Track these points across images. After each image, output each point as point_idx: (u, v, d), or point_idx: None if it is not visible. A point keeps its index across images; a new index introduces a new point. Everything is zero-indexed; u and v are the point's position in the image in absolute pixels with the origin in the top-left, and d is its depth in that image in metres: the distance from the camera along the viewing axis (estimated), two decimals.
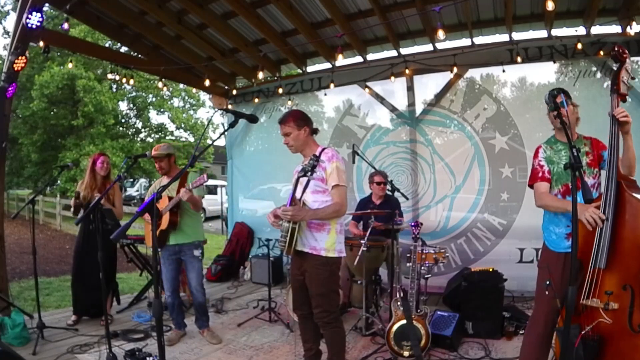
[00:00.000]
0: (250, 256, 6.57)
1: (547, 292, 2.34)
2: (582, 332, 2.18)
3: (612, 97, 2.27)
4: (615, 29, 4.53)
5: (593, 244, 2.18)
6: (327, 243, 2.77)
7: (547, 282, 2.33)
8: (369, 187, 4.79)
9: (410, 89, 5.69)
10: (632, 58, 4.35)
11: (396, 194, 4.30)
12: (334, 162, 2.76)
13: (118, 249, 4.77)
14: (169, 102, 19.47)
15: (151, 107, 19.20)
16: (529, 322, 2.72)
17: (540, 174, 2.56)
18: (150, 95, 18.78)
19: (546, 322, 2.51)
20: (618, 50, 2.29)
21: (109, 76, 6.16)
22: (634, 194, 2.15)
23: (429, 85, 5.59)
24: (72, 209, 4.34)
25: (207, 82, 5.96)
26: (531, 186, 2.63)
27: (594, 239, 2.18)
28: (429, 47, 5.50)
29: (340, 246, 2.85)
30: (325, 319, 2.80)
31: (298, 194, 2.81)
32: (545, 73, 4.93)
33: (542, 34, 4.88)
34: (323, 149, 2.87)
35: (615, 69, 2.34)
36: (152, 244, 2.17)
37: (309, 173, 2.64)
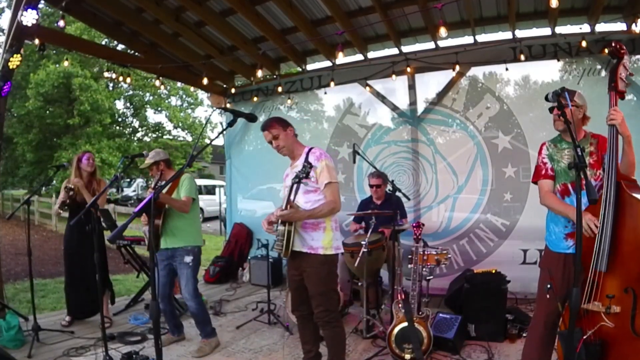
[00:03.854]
0: (249, 257, 6.50)
1: (547, 296, 2.33)
2: (584, 337, 2.15)
3: (609, 94, 2.25)
4: (621, 26, 4.48)
5: (593, 246, 2.16)
6: (323, 241, 2.80)
7: (548, 286, 2.32)
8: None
9: (411, 87, 5.63)
10: (638, 56, 4.35)
11: (397, 194, 4.25)
12: (322, 160, 2.80)
13: (115, 250, 4.70)
14: (167, 101, 19.45)
15: (148, 105, 19.18)
16: (530, 324, 2.72)
17: (543, 171, 2.57)
18: (148, 94, 18.75)
19: (546, 323, 2.51)
20: (615, 46, 2.27)
21: (106, 74, 6.13)
22: (634, 194, 2.12)
23: (430, 83, 5.53)
24: (58, 204, 4.10)
25: (205, 81, 5.90)
26: (535, 183, 2.64)
27: (594, 242, 2.16)
28: (430, 45, 5.45)
29: (337, 243, 2.88)
30: (326, 318, 2.80)
31: (291, 197, 2.79)
32: (549, 71, 4.86)
33: (546, 31, 4.82)
34: (310, 149, 2.90)
35: (613, 65, 2.31)
36: (149, 245, 2.13)
37: (304, 179, 2.66)
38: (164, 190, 3.67)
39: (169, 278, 3.69)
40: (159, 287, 3.69)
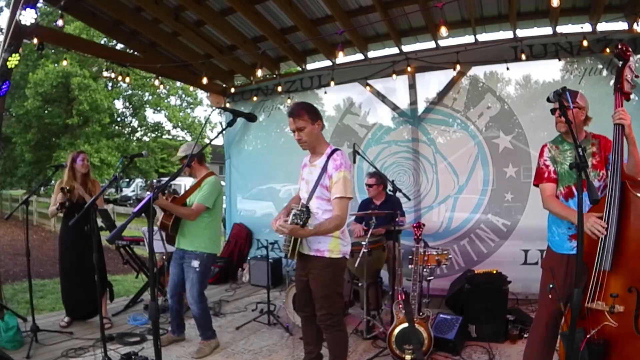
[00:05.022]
0: (248, 258, 6.49)
1: (550, 296, 2.31)
2: (587, 336, 2.15)
3: (615, 95, 2.26)
4: (622, 25, 4.46)
5: (597, 245, 2.16)
6: (330, 245, 2.74)
7: (550, 286, 2.31)
8: None
9: (412, 87, 5.61)
10: (639, 56, 4.33)
11: (398, 194, 4.23)
12: (341, 171, 2.66)
13: (114, 250, 4.67)
14: (166, 101, 19.43)
15: (147, 105, 19.14)
16: (532, 325, 2.72)
17: (546, 174, 2.54)
18: (147, 94, 18.73)
19: (548, 324, 2.50)
20: (622, 48, 2.28)
21: (105, 74, 6.09)
22: (639, 194, 2.12)
23: (431, 83, 5.51)
24: (57, 206, 4.01)
25: (204, 80, 5.87)
26: (536, 185, 2.62)
27: (598, 241, 2.15)
28: (431, 44, 5.44)
29: (345, 248, 2.81)
30: (328, 321, 2.76)
31: (305, 199, 2.73)
32: (550, 71, 4.85)
33: (547, 30, 4.81)
34: (333, 151, 2.77)
35: (619, 66, 2.32)
36: (149, 246, 2.10)
37: (302, 224, 2.49)
38: (182, 193, 3.67)
39: (181, 277, 3.64)
40: (170, 285, 3.68)
